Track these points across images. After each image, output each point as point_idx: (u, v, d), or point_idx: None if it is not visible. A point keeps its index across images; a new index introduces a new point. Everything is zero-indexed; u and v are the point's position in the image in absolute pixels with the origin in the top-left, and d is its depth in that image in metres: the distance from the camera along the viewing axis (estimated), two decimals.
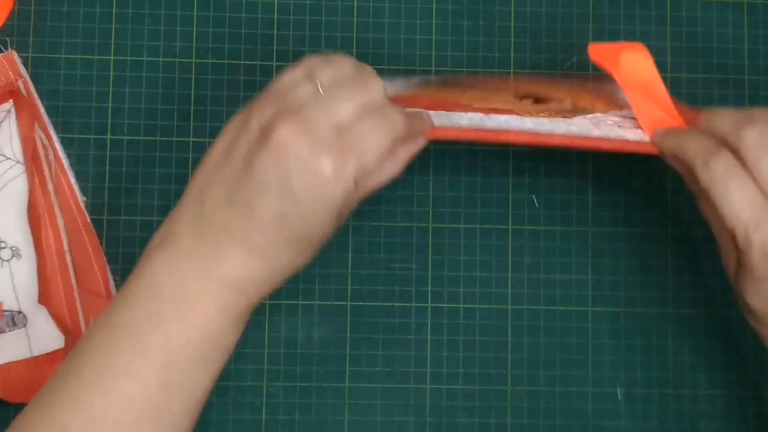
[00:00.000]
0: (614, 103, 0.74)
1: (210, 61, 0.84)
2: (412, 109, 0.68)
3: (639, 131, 0.70)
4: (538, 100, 0.75)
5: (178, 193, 0.82)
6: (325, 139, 0.61)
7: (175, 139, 0.83)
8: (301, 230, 0.62)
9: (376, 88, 0.65)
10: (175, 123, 0.83)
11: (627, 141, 0.69)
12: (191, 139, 0.83)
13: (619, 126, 0.70)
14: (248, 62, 0.84)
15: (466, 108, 0.72)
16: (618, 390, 0.83)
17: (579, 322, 0.84)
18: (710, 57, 0.86)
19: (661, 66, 0.85)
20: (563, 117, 0.71)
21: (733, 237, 0.64)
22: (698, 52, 0.86)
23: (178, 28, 0.84)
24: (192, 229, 0.63)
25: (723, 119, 0.66)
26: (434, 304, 0.84)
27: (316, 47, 0.84)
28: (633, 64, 0.69)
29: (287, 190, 0.61)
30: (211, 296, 0.61)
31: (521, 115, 0.70)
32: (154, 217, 0.82)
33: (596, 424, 0.83)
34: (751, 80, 0.86)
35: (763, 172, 0.62)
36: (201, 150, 0.83)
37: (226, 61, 0.84)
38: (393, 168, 0.66)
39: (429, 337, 0.83)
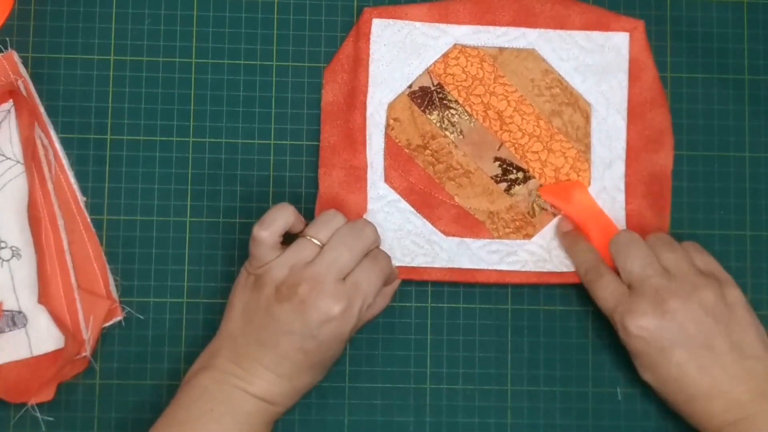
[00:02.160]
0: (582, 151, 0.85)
1: (210, 61, 0.84)
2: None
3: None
4: (510, 184, 0.84)
5: (178, 193, 0.83)
6: (334, 290, 0.75)
7: (175, 139, 0.83)
8: (319, 359, 0.77)
9: (369, 235, 0.78)
10: (175, 123, 0.83)
11: (573, 273, 0.83)
12: (191, 139, 0.83)
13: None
14: (248, 62, 0.84)
15: (448, 209, 0.83)
16: (618, 390, 0.83)
17: (579, 322, 0.84)
18: (710, 57, 0.86)
19: (661, 66, 0.86)
20: (525, 236, 0.84)
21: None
22: (698, 52, 0.86)
23: (178, 28, 0.84)
24: (230, 360, 0.76)
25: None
26: (434, 304, 0.84)
27: (315, 47, 0.84)
28: (579, 199, 0.84)
29: (308, 332, 0.75)
30: (249, 403, 0.76)
31: (491, 238, 0.83)
32: (154, 217, 0.83)
33: (596, 424, 0.83)
34: (751, 80, 0.86)
35: (619, 263, 0.80)
36: (201, 150, 0.83)
37: (226, 61, 0.84)
38: (383, 302, 0.81)
39: (429, 337, 0.83)
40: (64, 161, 0.82)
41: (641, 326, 0.77)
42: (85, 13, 0.84)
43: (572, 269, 0.83)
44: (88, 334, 0.79)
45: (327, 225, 0.78)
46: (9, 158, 0.81)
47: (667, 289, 0.77)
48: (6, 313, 0.79)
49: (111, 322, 0.81)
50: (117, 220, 0.82)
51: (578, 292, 0.84)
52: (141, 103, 0.83)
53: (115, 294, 0.81)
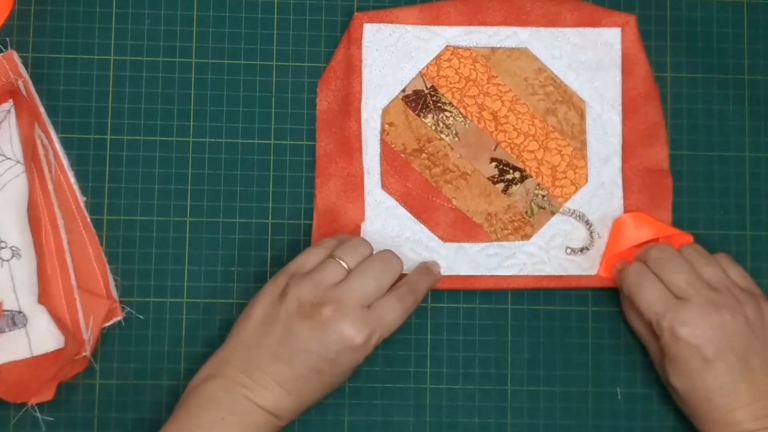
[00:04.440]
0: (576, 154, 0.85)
1: (210, 61, 0.84)
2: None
3: (580, 256, 0.84)
4: (507, 184, 0.84)
5: (178, 193, 0.83)
6: (358, 317, 0.76)
7: (175, 139, 0.83)
8: (330, 381, 0.77)
9: (396, 267, 0.79)
10: (175, 123, 0.83)
11: (570, 277, 0.83)
12: (191, 139, 0.83)
13: (568, 248, 0.84)
14: (248, 62, 0.84)
15: (446, 212, 0.83)
16: (618, 390, 0.83)
17: (579, 322, 0.84)
18: (710, 57, 0.86)
19: (661, 66, 0.86)
20: (524, 237, 0.84)
21: (650, 327, 0.80)
22: (698, 52, 0.86)
23: (178, 28, 0.84)
24: (241, 370, 0.76)
25: (644, 251, 0.83)
26: (434, 304, 0.84)
27: (315, 47, 0.85)
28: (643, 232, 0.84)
29: (325, 355, 0.75)
30: (258, 415, 0.75)
31: (490, 240, 0.83)
32: (154, 217, 0.83)
33: (596, 424, 0.83)
34: (751, 80, 0.86)
35: (664, 276, 0.79)
36: (201, 150, 0.83)
37: (226, 61, 0.84)
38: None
39: (429, 337, 0.83)
40: (64, 161, 0.82)
41: (694, 334, 0.77)
42: (85, 13, 0.84)
43: (570, 273, 0.83)
44: (88, 334, 0.79)
45: (356, 250, 0.78)
46: (9, 158, 0.81)
47: (718, 301, 0.78)
48: (6, 313, 0.79)
49: (111, 322, 0.81)
50: (117, 220, 0.82)
51: (577, 292, 0.84)
52: (141, 103, 0.83)
53: (115, 294, 0.81)
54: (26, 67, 0.82)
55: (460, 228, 0.83)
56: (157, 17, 0.84)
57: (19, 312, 0.80)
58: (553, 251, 0.83)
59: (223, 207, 0.83)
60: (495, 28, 0.84)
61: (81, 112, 0.83)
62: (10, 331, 0.79)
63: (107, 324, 0.81)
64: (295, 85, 0.84)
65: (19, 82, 0.81)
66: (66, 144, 0.82)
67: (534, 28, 0.84)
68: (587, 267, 0.83)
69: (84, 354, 0.79)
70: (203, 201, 0.83)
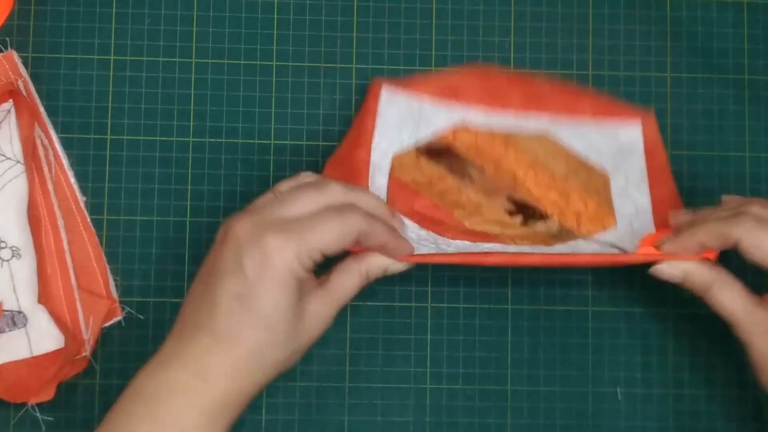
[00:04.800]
0: (603, 212, 0.81)
1: (210, 61, 0.84)
2: (400, 227, 0.75)
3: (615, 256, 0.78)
4: (526, 217, 0.80)
5: (178, 194, 0.83)
6: (272, 224, 0.67)
7: (175, 139, 0.83)
8: (258, 309, 0.67)
9: (333, 191, 0.70)
10: (175, 123, 0.84)
11: (603, 255, 0.77)
12: (191, 139, 0.83)
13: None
14: (248, 62, 0.84)
15: (457, 228, 0.79)
16: (618, 390, 0.83)
17: (579, 322, 0.84)
18: (710, 57, 0.87)
19: (660, 66, 0.86)
20: (545, 244, 0.78)
21: None
22: (698, 52, 0.86)
23: (178, 28, 0.84)
24: (173, 336, 0.69)
25: (726, 205, 0.74)
26: (434, 304, 0.84)
27: (316, 47, 0.85)
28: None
29: (239, 272, 0.66)
30: (180, 390, 0.66)
31: (505, 243, 0.78)
32: (154, 217, 0.83)
33: (596, 424, 0.83)
34: (751, 80, 0.86)
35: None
36: (201, 150, 0.83)
37: (226, 61, 0.84)
38: (350, 281, 0.72)
39: (429, 337, 0.83)
40: (64, 161, 0.82)
41: None
42: (85, 13, 0.84)
43: (580, 251, 0.78)
44: (88, 334, 0.79)
45: (295, 179, 0.73)
46: (9, 158, 0.81)
47: None
48: (6, 313, 0.79)
49: (111, 322, 0.81)
50: (117, 220, 0.82)
51: (579, 293, 0.84)
52: (141, 103, 0.83)
53: (115, 294, 0.81)
54: (26, 67, 0.82)
55: (474, 236, 0.79)
56: (157, 17, 0.84)
57: (19, 312, 0.80)
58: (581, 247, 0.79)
59: (223, 207, 0.83)
60: (513, 114, 0.83)
61: (81, 112, 0.83)
62: (10, 331, 0.79)
63: (107, 324, 0.81)
64: (295, 85, 0.84)
65: (19, 82, 0.81)
66: (66, 144, 0.82)
67: (554, 115, 0.83)
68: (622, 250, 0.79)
69: (84, 354, 0.79)
70: (203, 201, 0.83)
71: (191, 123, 0.84)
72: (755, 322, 0.72)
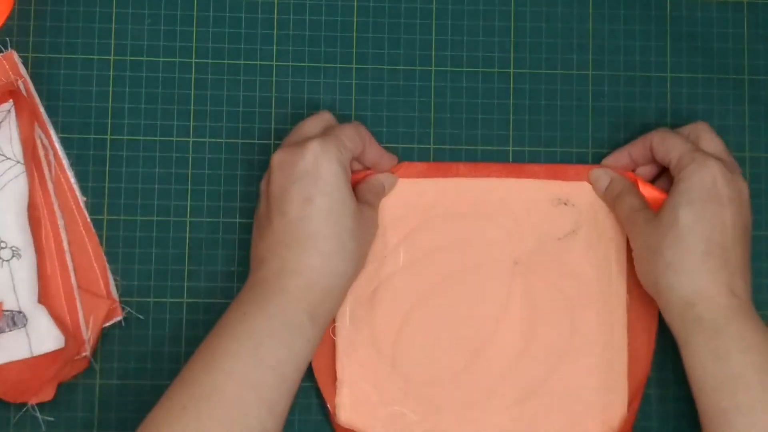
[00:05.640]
0: None
1: (210, 61, 0.84)
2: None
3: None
4: None
5: (178, 193, 0.83)
6: (305, 132, 0.78)
7: (175, 139, 0.83)
8: (328, 203, 0.74)
9: (325, 115, 0.80)
10: (175, 123, 0.84)
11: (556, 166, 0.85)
12: (191, 139, 0.83)
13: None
14: (248, 62, 0.84)
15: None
16: None
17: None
18: (710, 57, 0.87)
19: (660, 66, 0.86)
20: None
21: (672, 163, 0.79)
22: (698, 52, 0.86)
23: (178, 28, 0.84)
24: (256, 266, 0.76)
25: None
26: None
27: (316, 47, 0.85)
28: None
29: (297, 180, 0.74)
30: (282, 294, 0.73)
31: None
32: (154, 217, 0.83)
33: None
34: (751, 80, 0.87)
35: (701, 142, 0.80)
36: (201, 150, 0.83)
37: (226, 61, 0.84)
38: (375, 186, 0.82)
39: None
40: (64, 161, 0.82)
41: (720, 170, 0.76)
42: (85, 13, 0.84)
43: None
44: (88, 334, 0.79)
45: (322, 117, 0.81)
46: (9, 158, 0.81)
47: (739, 175, 0.78)
48: (6, 313, 0.79)
49: (111, 322, 0.81)
50: (117, 220, 0.82)
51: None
52: (141, 103, 0.83)
53: (115, 294, 0.81)
54: (26, 67, 0.82)
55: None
56: (157, 17, 0.84)
57: (19, 312, 0.80)
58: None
59: (223, 207, 0.83)
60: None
61: (81, 112, 0.83)
62: (10, 331, 0.79)
63: (107, 324, 0.81)
64: (295, 85, 0.84)
65: (19, 82, 0.81)
66: (66, 144, 0.82)
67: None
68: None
69: (84, 354, 0.79)
70: (203, 201, 0.83)
71: (191, 123, 0.84)
72: (636, 233, 0.79)
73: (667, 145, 0.80)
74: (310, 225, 0.74)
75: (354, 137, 0.78)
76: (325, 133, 0.77)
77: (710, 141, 0.80)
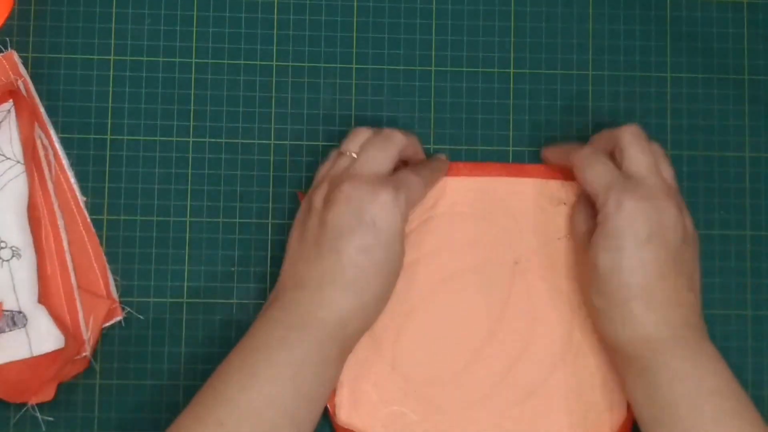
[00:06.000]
0: None
1: (210, 61, 0.84)
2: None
3: None
4: None
5: (178, 193, 0.83)
6: (377, 180, 0.76)
7: (175, 139, 0.83)
8: (384, 256, 0.75)
9: (399, 139, 0.78)
10: (175, 123, 0.84)
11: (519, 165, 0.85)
12: (191, 139, 0.83)
13: None
14: (248, 62, 0.84)
15: None
16: None
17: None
18: (710, 57, 0.87)
19: (660, 66, 0.86)
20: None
21: (595, 199, 0.77)
22: (698, 52, 0.86)
23: (178, 28, 0.84)
24: (295, 286, 0.75)
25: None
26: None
27: (316, 47, 0.85)
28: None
29: (361, 226, 0.74)
30: (321, 328, 0.74)
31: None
32: (154, 217, 0.83)
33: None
34: (751, 80, 0.86)
35: (626, 153, 0.78)
36: (201, 150, 0.83)
37: (226, 61, 0.84)
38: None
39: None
40: (64, 161, 0.82)
41: (639, 207, 0.75)
42: (85, 13, 0.84)
43: None
44: (88, 334, 0.79)
45: (357, 137, 0.79)
46: (9, 158, 0.81)
47: (670, 194, 0.76)
48: (6, 313, 0.79)
49: (111, 322, 0.81)
50: (117, 220, 0.82)
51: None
52: (141, 103, 0.83)
53: (115, 294, 0.81)
54: (26, 67, 0.82)
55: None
56: (157, 17, 0.84)
57: (19, 312, 0.80)
58: None
59: (223, 207, 0.83)
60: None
61: (81, 112, 0.83)
62: (10, 331, 0.79)
63: (107, 324, 0.81)
64: (295, 85, 0.84)
65: (19, 82, 0.81)
66: (66, 144, 0.82)
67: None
68: None
69: (84, 354, 0.79)
70: (203, 201, 0.83)
71: (191, 123, 0.84)
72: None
73: (586, 176, 0.78)
74: (360, 274, 0.74)
75: (421, 189, 0.79)
76: (397, 179, 0.77)
77: (633, 158, 0.77)
